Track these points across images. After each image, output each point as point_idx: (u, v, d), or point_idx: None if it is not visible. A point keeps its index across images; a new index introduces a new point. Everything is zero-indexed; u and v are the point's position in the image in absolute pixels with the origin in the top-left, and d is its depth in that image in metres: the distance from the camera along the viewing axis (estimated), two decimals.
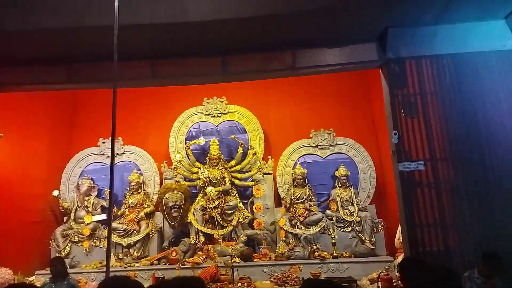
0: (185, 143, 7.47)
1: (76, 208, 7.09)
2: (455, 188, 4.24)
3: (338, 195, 6.84)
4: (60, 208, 7.12)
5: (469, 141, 4.31)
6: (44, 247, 6.78)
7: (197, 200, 7.05)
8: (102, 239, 6.74)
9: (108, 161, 7.45)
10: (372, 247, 6.35)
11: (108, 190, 7.06)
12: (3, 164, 5.77)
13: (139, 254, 6.62)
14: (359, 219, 6.58)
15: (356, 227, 6.55)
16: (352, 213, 6.68)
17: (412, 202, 4.25)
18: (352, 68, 4.84)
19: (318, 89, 7.76)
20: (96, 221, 6.93)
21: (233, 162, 7.30)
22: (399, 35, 4.42)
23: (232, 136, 7.35)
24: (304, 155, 7.42)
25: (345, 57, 4.62)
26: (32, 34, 4.31)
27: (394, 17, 4.32)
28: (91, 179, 7.33)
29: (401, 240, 5.93)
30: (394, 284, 5.11)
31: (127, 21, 3.69)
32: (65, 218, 7.15)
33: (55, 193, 7.05)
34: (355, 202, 6.77)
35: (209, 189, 6.78)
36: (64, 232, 6.84)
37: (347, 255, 6.31)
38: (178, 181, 7.12)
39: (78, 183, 7.32)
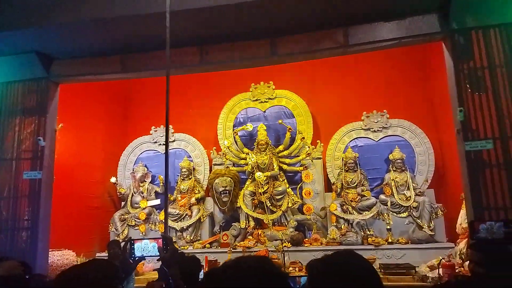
0: (233, 130, 7.48)
1: (132, 193, 7.39)
2: None
3: (392, 179, 6.55)
4: (118, 194, 7.47)
5: None
6: (104, 231, 7.16)
7: (246, 185, 7.07)
8: (157, 223, 7.00)
9: (160, 149, 7.67)
10: (431, 233, 6.04)
11: (161, 176, 7.30)
12: (63, 152, 6.09)
13: (191, 238, 6.79)
14: (416, 204, 6.26)
15: (413, 213, 6.25)
16: (409, 198, 6.37)
17: (480, 183, 3.91)
18: (411, 42, 4.48)
19: (368, 69, 7.40)
20: (151, 206, 7.19)
21: (281, 147, 7.22)
22: (464, 2, 4.01)
23: (280, 121, 7.26)
24: (355, 138, 7.17)
25: (403, 30, 4.29)
26: (87, 25, 4.44)
27: None
28: (145, 166, 7.59)
29: (463, 226, 5.60)
30: (457, 271, 4.82)
31: (176, 7, 3.69)
32: (122, 203, 7.49)
33: (113, 179, 7.39)
34: (412, 186, 6.44)
35: (258, 174, 6.77)
36: (122, 216, 7.17)
37: (403, 241, 6.06)
38: (227, 167, 7.18)
39: (133, 170, 7.61)
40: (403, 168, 6.61)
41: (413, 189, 6.41)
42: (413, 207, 6.26)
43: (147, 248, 2.32)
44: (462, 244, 5.58)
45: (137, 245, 2.34)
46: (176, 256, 2.15)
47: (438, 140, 6.89)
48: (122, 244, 2.94)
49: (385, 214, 6.36)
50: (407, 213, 6.31)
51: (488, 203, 3.91)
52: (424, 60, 7.23)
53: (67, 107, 5.99)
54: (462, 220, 5.65)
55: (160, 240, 2.25)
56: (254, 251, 6.06)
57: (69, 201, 6.48)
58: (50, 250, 5.31)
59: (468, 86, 4.00)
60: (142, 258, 2.40)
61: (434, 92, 7.04)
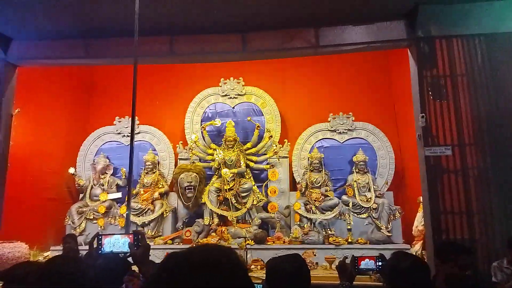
0: (201, 124, 7.38)
1: (92, 186, 7.12)
2: (483, 175, 4.06)
3: (355, 181, 6.70)
4: (76, 185, 7.17)
5: (500, 126, 4.10)
6: (60, 224, 6.85)
7: (211, 181, 7.00)
8: (117, 217, 6.78)
9: (123, 140, 7.44)
10: (389, 234, 6.23)
11: (124, 169, 7.08)
12: (19, 139, 5.77)
13: (153, 233, 6.64)
14: (376, 205, 6.44)
15: (373, 214, 6.43)
16: (369, 199, 6.54)
17: (437, 188, 4.09)
18: (378, 47, 4.62)
19: (337, 72, 7.55)
20: (112, 199, 6.96)
21: (248, 145, 7.20)
22: (430, 12, 4.18)
23: (249, 118, 7.23)
24: (322, 139, 7.27)
25: (371, 35, 4.40)
26: (49, 5, 4.21)
27: None
28: (107, 157, 7.33)
29: (419, 228, 5.83)
30: None
31: None
32: (81, 195, 7.20)
33: (71, 170, 7.08)
34: (373, 188, 6.62)
35: (224, 171, 6.72)
36: (80, 209, 6.89)
37: (362, 242, 6.22)
38: (193, 162, 7.06)
39: (94, 161, 7.34)
40: (366, 170, 6.78)
41: (374, 191, 6.60)
42: (373, 209, 6.44)
43: (118, 243, 2.21)
44: (417, 246, 5.82)
45: (107, 240, 2.23)
46: (148, 253, 2.08)
47: (399, 144, 7.13)
48: (78, 237, 2.81)
49: (346, 214, 6.49)
50: (367, 214, 6.48)
51: (445, 207, 4.09)
52: (389, 66, 7.47)
53: (25, 91, 5.68)
54: (418, 223, 5.88)
55: (132, 236, 2.16)
56: None
57: (23, 191, 6.15)
58: (0, 242, 5.02)
59: (430, 93, 4.16)
60: (111, 253, 2.29)
61: (397, 98, 7.28)
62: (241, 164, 6.95)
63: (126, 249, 2.14)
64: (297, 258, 1.92)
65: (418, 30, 4.23)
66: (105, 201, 6.88)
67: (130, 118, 3.04)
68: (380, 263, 2.34)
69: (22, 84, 5.23)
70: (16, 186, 5.65)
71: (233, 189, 6.80)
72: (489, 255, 3.83)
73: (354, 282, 2.33)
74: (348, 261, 2.39)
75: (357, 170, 6.81)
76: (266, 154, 7.13)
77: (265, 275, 1.84)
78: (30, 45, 4.90)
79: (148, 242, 6.27)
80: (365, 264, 2.35)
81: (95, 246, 2.25)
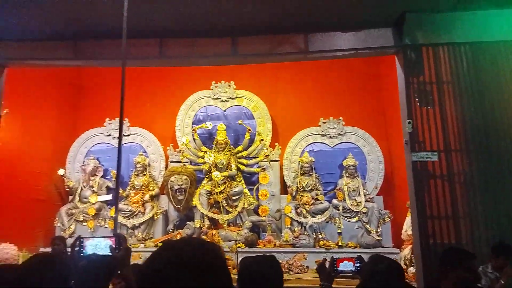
0: (192, 127, 7.39)
1: (82, 187, 7.09)
2: (469, 181, 4.10)
3: (345, 185, 6.75)
4: (65, 187, 7.13)
5: (485, 132, 4.15)
6: (49, 225, 6.82)
7: (202, 184, 7.00)
8: (107, 219, 6.76)
9: (113, 142, 7.42)
10: (378, 238, 6.28)
11: (114, 171, 7.06)
12: (8, 140, 5.73)
13: (143, 236, 6.62)
14: (366, 209, 6.49)
15: (363, 218, 6.47)
16: (359, 203, 6.59)
17: (424, 193, 4.12)
18: (366, 53, 4.67)
19: (327, 78, 7.63)
20: (102, 201, 6.94)
21: (239, 148, 7.22)
22: (417, 20, 4.23)
23: (240, 122, 7.26)
24: (312, 143, 7.32)
25: (359, 41, 4.45)
26: (40, 6, 4.20)
27: (412, 1, 4.15)
28: (97, 159, 7.31)
29: (408, 232, 5.88)
30: None
31: None
32: (70, 197, 7.16)
33: (61, 171, 7.04)
34: (362, 192, 6.67)
35: (215, 174, 6.72)
36: (69, 211, 6.86)
37: (352, 245, 6.25)
38: (184, 165, 7.06)
39: (83, 163, 7.31)
40: (356, 175, 6.83)
41: (364, 195, 6.65)
42: (363, 213, 6.49)
43: (99, 246, 2.23)
44: (406, 250, 5.86)
45: (89, 242, 2.24)
46: (129, 255, 2.11)
47: (388, 149, 7.19)
48: (67, 239, 2.80)
49: (336, 218, 6.53)
50: (357, 218, 6.53)
51: (432, 212, 4.13)
52: (378, 72, 7.55)
53: (14, 92, 5.64)
54: (407, 227, 5.93)
55: (114, 239, 2.18)
56: None
57: (12, 192, 6.10)
58: None
59: (417, 99, 4.21)
60: (93, 256, 2.31)
61: (386, 103, 7.36)
62: (232, 167, 6.96)
63: (107, 252, 2.16)
64: (270, 259, 1.98)
65: (405, 38, 4.28)
66: (95, 203, 6.86)
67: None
68: (358, 265, 2.38)
69: (10, 85, 5.20)
70: (5, 187, 5.62)
71: (224, 192, 6.81)
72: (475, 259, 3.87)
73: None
74: (327, 263, 2.43)
75: (347, 174, 6.86)
76: (257, 157, 7.16)
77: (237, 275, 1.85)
78: (19, 45, 4.86)
79: (138, 244, 6.27)
80: (343, 265, 2.38)
81: (77, 248, 2.27)
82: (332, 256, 2.48)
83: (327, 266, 2.42)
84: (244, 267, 1.94)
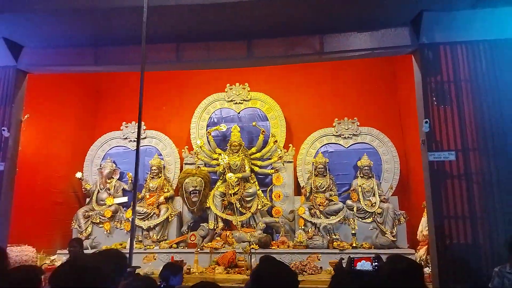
0: (207, 129, 7.45)
1: (98, 190, 7.20)
2: (487, 180, 4.07)
3: (359, 186, 6.72)
4: (83, 189, 7.25)
5: (504, 132, 4.11)
6: (66, 228, 6.93)
7: (216, 186, 7.05)
8: (123, 221, 6.85)
9: (130, 145, 7.53)
10: (393, 239, 6.23)
11: (130, 173, 7.16)
12: (28, 144, 5.86)
13: (158, 237, 6.68)
14: (381, 210, 6.45)
15: (378, 219, 6.43)
16: (374, 204, 6.55)
17: (441, 193, 4.10)
18: (383, 53, 4.67)
19: (342, 78, 7.61)
20: (118, 204, 7.03)
21: (253, 149, 7.26)
22: (434, 19, 4.22)
23: (254, 123, 7.29)
24: (326, 144, 7.31)
25: (376, 41, 4.45)
26: (61, 15, 4.31)
27: (429, 0, 4.14)
28: (114, 162, 7.42)
29: (424, 233, 5.83)
30: None
31: (154, 2, 3.65)
32: (87, 199, 7.27)
33: (78, 175, 7.16)
34: (377, 193, 6.63)
35: (229, 175, 6.77)
36: (86, 213, 6.96)
37: (367, 246, 6.22)
38: (198, 167, 7.12)
39: (100, 166, 7.42)
40: (370, 175, 6.80)
41: (378, 195, 6.61)
42: (378, 213, 6.45)
43: None
44: (422, 251, 5.81)
45: None
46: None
47: (403, 149, 7.14)
48: (84, 241, 2.86)
49: (350, 219, 6.51)
50: (371, 218, 6.49)
51: (448, 212, 4.10)
52: (394, 72, 7.50)
53: (34, 97, 5.77)
54: (423, 228, 5.88)
55: None
56: (222, 253, 6.05)
57: (31, 195, 6.22)
58: (9, 245, 5.08)
59: (434, 99, 4.20)
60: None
61: (402, 103, 7.32)
62: (246, 168, 7.00)
63: None
64: (287, 271, 1.96)
65: (422, 37, 4.27)
66: (111, 205, 6.96)
67: (137, 123, 3.10)
68: (376, 264, 2.39)
69: (31, 90, 5.33)
70: (24, 190, 5.72)
71: (237, 193, 6.84)
72: (493, 260, 3.84)
73: None
74: (344, 262, 2.44)
75: (361, 175, 6.83)
76: (270, 158, 7.18)
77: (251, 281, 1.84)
78: (41, 52, 4.99)
79: (153, 246, 6.29)
80: (361, 265, 2.39)
81: None
82: (350, 256, 2.48)
83: (344, 266, 2.43)
84: (258, 278, 1.90)
